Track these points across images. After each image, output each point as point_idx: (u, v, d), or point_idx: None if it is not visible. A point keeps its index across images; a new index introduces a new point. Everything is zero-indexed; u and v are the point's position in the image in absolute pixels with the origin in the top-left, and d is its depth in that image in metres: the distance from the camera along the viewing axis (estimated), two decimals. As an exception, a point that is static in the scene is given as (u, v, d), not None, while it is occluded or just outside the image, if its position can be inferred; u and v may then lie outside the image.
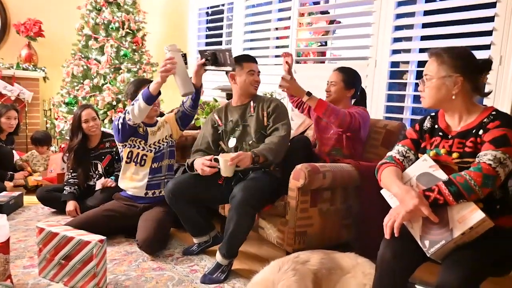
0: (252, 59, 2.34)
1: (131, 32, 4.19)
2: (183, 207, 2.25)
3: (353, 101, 2.48)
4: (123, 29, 4.11)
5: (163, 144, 2.58)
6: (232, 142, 2.31)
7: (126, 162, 2.55)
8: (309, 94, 2.18)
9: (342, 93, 2.39)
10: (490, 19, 2.31)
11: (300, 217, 2.04)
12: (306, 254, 1.84)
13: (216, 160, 2.12)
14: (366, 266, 1.83)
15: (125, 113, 2.40)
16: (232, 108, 2.39)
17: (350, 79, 2.39)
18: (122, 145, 2.54)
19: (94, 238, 1.84)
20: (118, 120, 2.43)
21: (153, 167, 2.54)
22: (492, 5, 2.30)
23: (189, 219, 2.30)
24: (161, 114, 3.00)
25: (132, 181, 2.55)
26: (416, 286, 1.93)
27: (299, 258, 1.80)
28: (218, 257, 2.08)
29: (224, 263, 2.06)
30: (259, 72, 2.35)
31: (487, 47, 2.31)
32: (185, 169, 2.67)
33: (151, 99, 2.27)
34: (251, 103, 2.32)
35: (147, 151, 2.53)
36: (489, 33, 2.32)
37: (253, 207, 2.01)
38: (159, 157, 2.56)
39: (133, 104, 2.34)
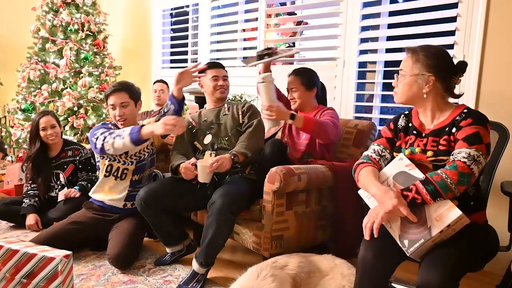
0: (216, 65, 2.37)
1: (91, 34, 4.02)
2: (156, 215, 2.16)
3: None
4: (82, 31, 3.93)
5: (145, 154, 2.37)
6: (208, 138, 2.31)
7: (105, 176, 2.35)
8: (292, 117, 2.02)
9: (305, 96, 2.33)
10: (453, 19, 2.37)
11: (276, 220, 2.00)
12: (284, 259, 1.81)
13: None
14: (344, 267, 1.82)
15: (104, 140, 2.14)
16: (206, 111, 2.41)
17: (309, 80, 2.34)
18: (100, 156, 2.33)
19: (59, 253, 1.72)
20: (97, 140, 2.17)
21: (133, 179, 2.37)
22: (454, 6, 2.37)
23: (162, 228, 2.21)
24: None
25: (110, 194, 2.37)
26: (392, 284, 1.95)
27: (277, 263, 1.77)
28: (195, 265, 2.00)
29: (200, 271, 2.00)
30: (225, 76, 2.37)
31: (450, 46, 2.38)
32: (155, 176, 2.61)
33: (141, 142, 2.15)
34: (226, 105, 2.37)
35: (128, 164, 2.33)
36: (452, 33, 2.38)
37: (233, 213, 1.97)
38: (140, 168, 2.38)
39: (114, 137, 2.12)
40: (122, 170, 2.34)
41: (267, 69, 2.42)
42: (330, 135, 2.10)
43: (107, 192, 2.37)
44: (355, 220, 2.09)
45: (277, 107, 2.01)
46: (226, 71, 2.39)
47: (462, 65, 1.48)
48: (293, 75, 2.37)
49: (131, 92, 2.31)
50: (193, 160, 2.11)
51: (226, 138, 2.27)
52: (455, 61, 1.49)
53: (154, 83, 3.73)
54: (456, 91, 1.52)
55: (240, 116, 2.30)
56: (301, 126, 2.05)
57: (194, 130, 2.36)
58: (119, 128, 2.28)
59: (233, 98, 3.16)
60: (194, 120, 2.38)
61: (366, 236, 1.39)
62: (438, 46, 1.50)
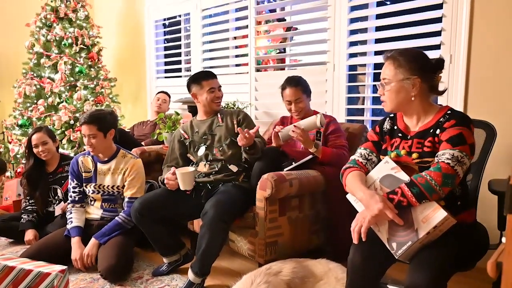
0: (211, 76, 2.33)
1: (85, 47, 4.06)
2: (152, 226, 2.18)
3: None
4: (76, 45, 3.97)
5: (116, 192, 2.51)
6: (201, 150, 2.31)
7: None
8: (316, 145, 2.17)
9: (307, 103, 2.41)
10: (439, 20, 2.39)
11: (270, 227, 2.02)
12: (278, 265, 1.83)
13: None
14: (338, 271, 1.84)
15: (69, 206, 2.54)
16: (198, 122, 2.40)
17: (305, 88, 2.39)
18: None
19: (55, 268, 1.74)
20: (70, 193, 2.57)
21: (104, 206, 2.53)
22: (440, 7, 2.39)
23: (158, 238, 2.23)
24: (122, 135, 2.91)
25: (88, 214, 2.55)
26: (388, 286, 1.95)
27: (271, 270, 1.79)
28: (191, 275, 2.02)
29: (196, 281, 2.01)
30: (220, 86, 2.36)
31: (437, 47, 2.40)
32: (151, 186, 2.63)
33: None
34: (218, 115, 2.36)
35: (93, 192, 2.52)
36: (438, 33, 2.40)
37: (226, 222, 1.98)
38: (111, 200, 2.53)
39: (68, 218, 2.48)
40: (90, 197, 2.57)
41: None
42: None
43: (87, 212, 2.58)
44: (349, 223, 2.09)
45: (307, 135, 2.17)
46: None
47: (440, 62, 1.50)
48: (293, 87, 2.36)
49: (101, 124, 2.41)
50: (172, 169, 2.14)
51: (220, 149, 2.27)
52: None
53: (158, 92, 3.79)
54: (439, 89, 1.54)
55: (235, 126, 2.29)
56: (320, 155, 2.17)
57: (187, 143, 2.37)
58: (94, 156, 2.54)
59: (226, 106, 3.18)
60: (186, 132, 2.39)
61: (355, 240, 1.41)
62: (413, 48, 1.53)
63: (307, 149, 2.22)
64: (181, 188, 2.05)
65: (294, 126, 2.18)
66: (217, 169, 2.23)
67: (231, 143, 2.26)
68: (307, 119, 2.23)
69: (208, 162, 2.26)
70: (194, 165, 2.31)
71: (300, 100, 2.36)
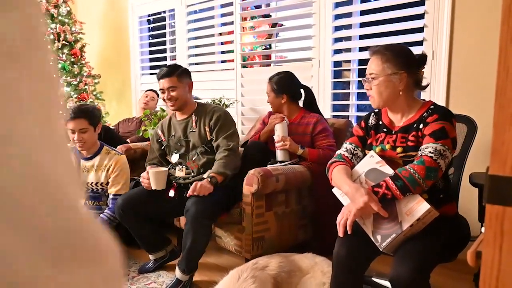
0: (160, 75, 2.16)
1: (68, 43, 3.99)
2: (135, 223, 2.16)
3: (301, 102, 2.48)
4: (58, 41, 3.90)
5: (100, 189, 2.45)
6: (175, 157, 2.28)
7: None
8: (302, 147, 2.21)
9: (276, 101, 2.37)
10: (421, 16, 2.43)
11: (256, 222, 2.02)
12: (264, 260, 1.84)
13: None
14: (324, 265, 1.85)
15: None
16: (175, 122, 2.32)
17: (277, 87, 2.36)
18: None
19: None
20: None
21: (88, 204, 2.45)
22: (422, 3, 2.42)
23: (143, 235, 2.21)
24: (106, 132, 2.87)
25: None
26: (373, 279, 1.98)
27: (258, 265, 1.79)
28: (178, 273, 2.01)
29: (184, 278, 2.01)
30: (172, 87, 2.14)
31: (420, 43, 2.43)
32: (136, 183, 2.61)
33: None
34: (193, 116, 2.25)
35: None
36: (421, 29, 2.44)
37: (208, 218, 1.97)
38: (95, 197, 2.47)
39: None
40: None
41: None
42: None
43: None
44: (335, 217, 2.12)
45: (290, 139, 2.20)
46: (177, 78, 2.15)
47: (424, 57, 1.53)
48: (268, 81, 2.42)
49: (91, 118, 2.34)
50: (147, 169, 2.14)
51: (193, 158, 2.22)
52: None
53: (147, 90, 3.75)
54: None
55: (208, 133, 2.20)
56: (308, 158, 2.21)
57: (163, 146, 2.34)
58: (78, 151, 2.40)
59: (212, 102, 3.17)
60: (163, 133, 2.33)
61: (340, 233, 1.43)
62: (398, 44, 1.55)
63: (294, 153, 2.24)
64: (153, 187, 2.04)
65: (276, 142, 2.21)
66: (193, 174, 2.22)
67: (204, 152, 2.21)
68: (278, 128, 2.24)
69: (184, 167, 2.25)
70: (172, 168, 2.29)
71: (268, 95, 2.40)
